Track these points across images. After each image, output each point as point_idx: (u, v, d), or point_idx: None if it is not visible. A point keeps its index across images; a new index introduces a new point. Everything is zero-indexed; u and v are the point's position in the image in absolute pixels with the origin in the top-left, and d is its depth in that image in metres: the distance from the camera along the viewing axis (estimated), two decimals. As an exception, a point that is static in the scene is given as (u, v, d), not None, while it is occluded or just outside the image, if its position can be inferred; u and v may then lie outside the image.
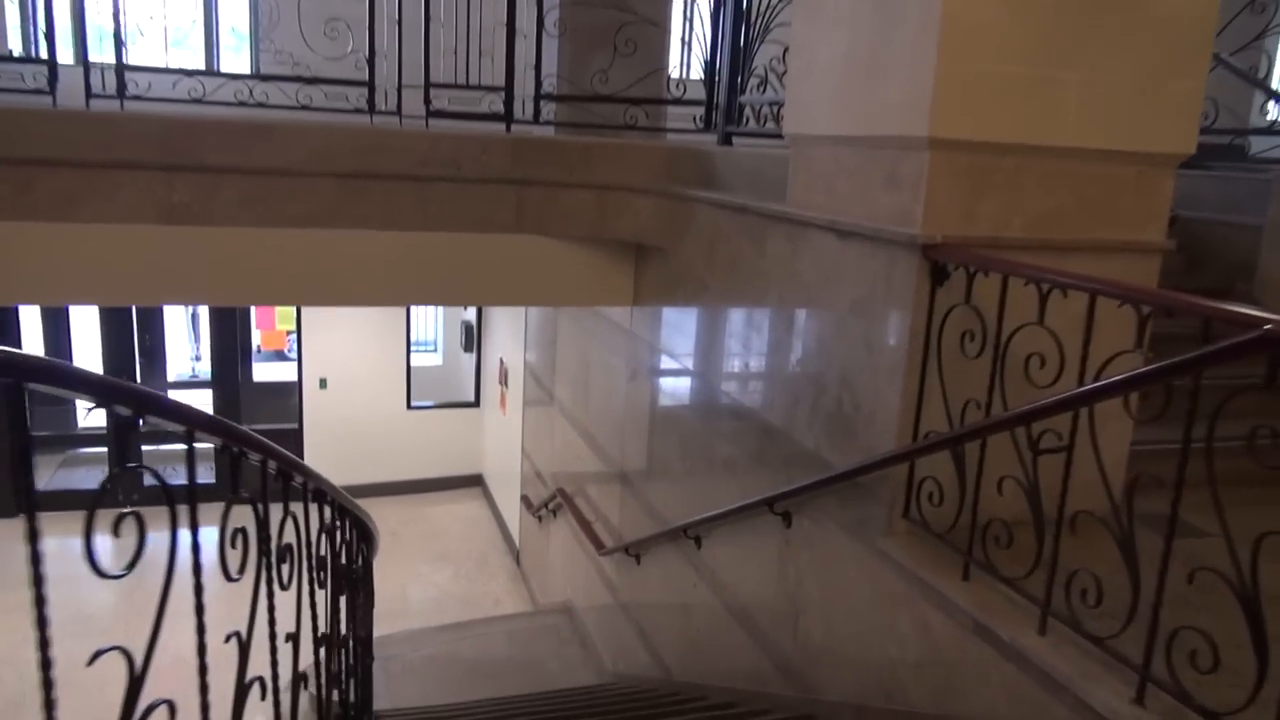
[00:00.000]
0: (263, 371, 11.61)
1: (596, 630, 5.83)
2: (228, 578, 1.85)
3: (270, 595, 2.07)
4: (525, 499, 7.77)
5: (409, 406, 10.01)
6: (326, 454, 9.78)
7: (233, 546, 1.89)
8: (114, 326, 9.35)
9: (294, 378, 9.78)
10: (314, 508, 2.69)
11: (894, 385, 2.58)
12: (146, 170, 4.00)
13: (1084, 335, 1.98)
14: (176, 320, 13.61)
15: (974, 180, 2.48)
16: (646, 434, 4.78)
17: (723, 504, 3.75)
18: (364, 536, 3.53)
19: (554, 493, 6.49)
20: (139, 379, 10.60)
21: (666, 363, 4.52)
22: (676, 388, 4.36)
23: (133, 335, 9.48)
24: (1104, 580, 1.93)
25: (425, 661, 5.77)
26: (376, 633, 7.10)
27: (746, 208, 3.49)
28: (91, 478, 9.52)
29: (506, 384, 8.86)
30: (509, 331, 8.79)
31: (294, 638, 2.29)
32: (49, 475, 9.93)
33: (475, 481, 10.41)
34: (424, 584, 8.03)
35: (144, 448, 10.12)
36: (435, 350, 12.93)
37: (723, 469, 3.79)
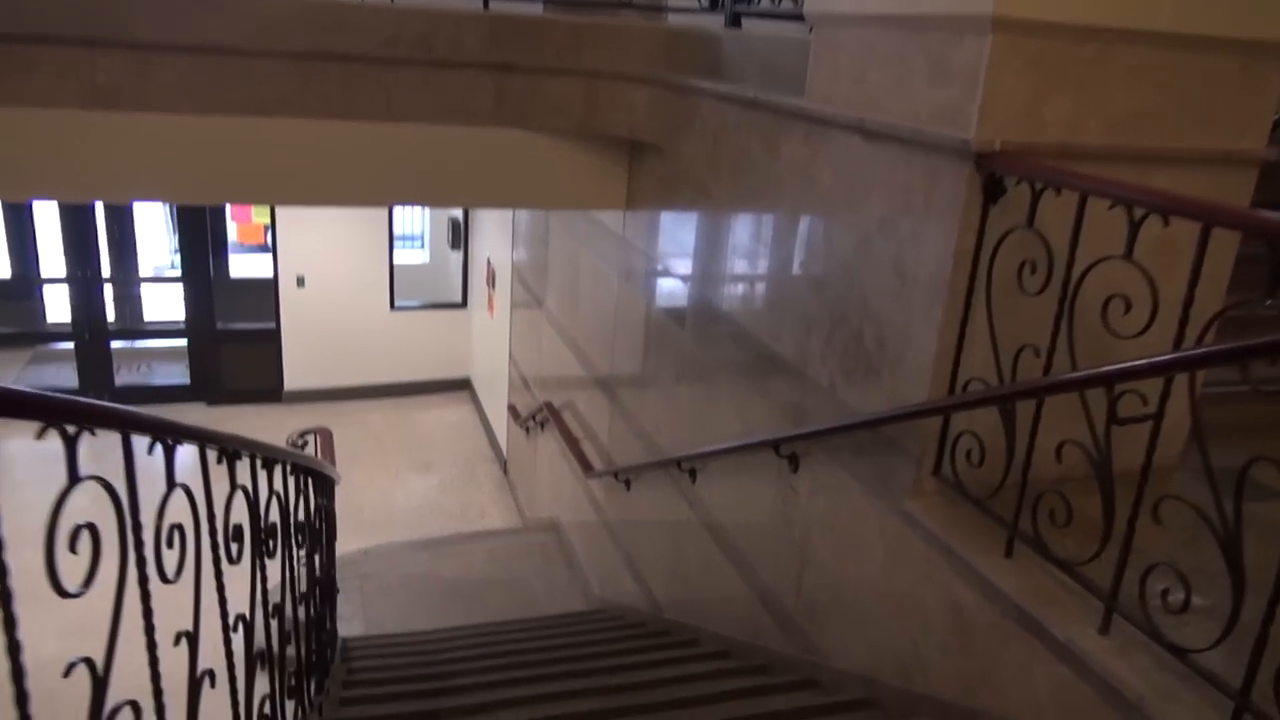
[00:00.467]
0: (241, 266, 11.13)
1: (584, 552, 5.58)
2: (163, 579, 1.55)
3: (219, 577, 1.90)
4: (512, 409, 7.45)
5: (392, 307, 9.59)
6: (306, 356, 9.42)
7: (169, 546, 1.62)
8: (76, 216, 8.83)
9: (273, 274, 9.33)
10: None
11: (929, 321, 2.18)
12: (66, 45, 3.48)
13: (1191, 276, 1.56)
14: (152, 209, 13.04)
15: (1044, 73, 2.02)
16: (639, 351, 4.40)
17: (721, 437, 3.39)
18: (321, 488, 3.17)
19: (540, 406, 6.15)
20: (108, 272, 10.15)
21: (662, 275, 4.10)
22: (673, 304, 3.95)
23: (97, 226, 8.97)
24: (1192, 576, 1.57)
25: (404, 581, 5.53)
26: (357, 546, 6.87)
27: (758, 102, 3.01)
28: (63, 374, 9.16)
29: (494, 286, 8.43)
30: (497, 229, 8.31)
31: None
32: (16, 372, 9.56)
33: (463, 386, 10.09)
34: (407, 493, 7.78)
35: (115, 344, 9.76)
36: (422, 246, 12.43)
37: (722, 398, 3.42)
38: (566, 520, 5.96)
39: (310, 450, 5.20)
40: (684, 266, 3.83)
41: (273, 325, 9.26)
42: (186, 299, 9.12)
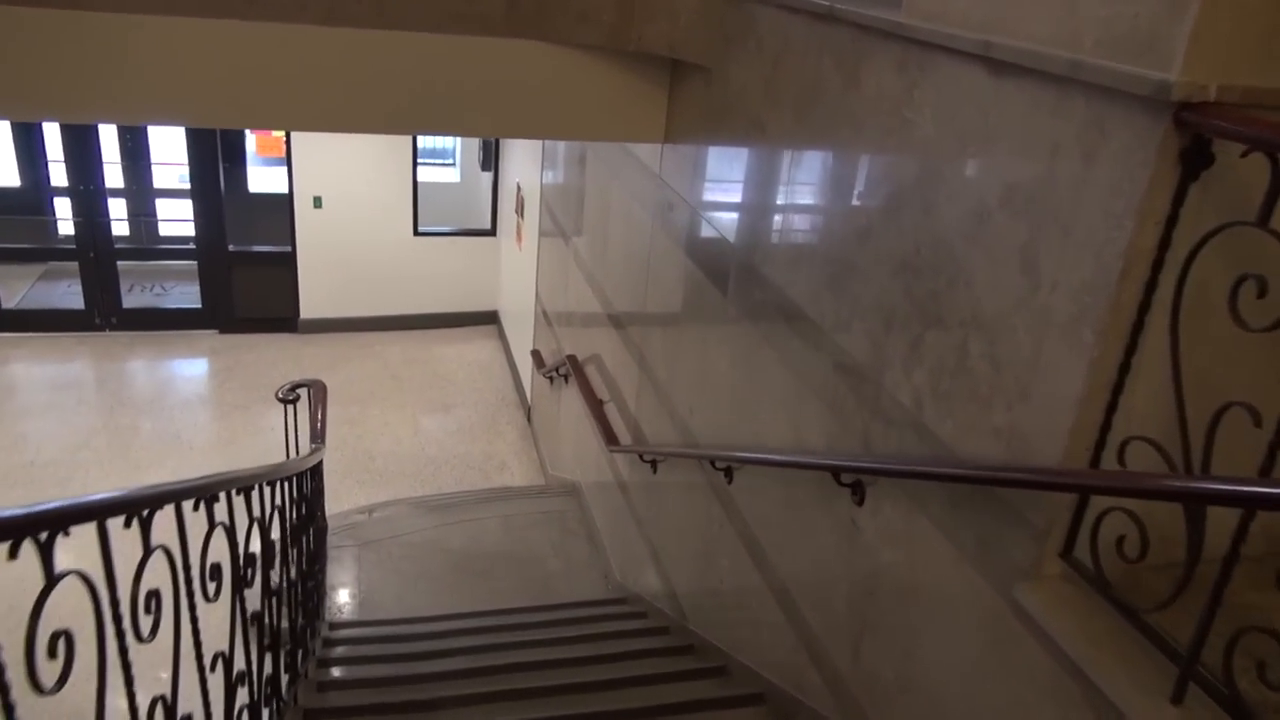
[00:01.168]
0: (262, 180, 10.59)
1: (606, 528, 5.05)
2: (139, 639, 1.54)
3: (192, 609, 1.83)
4: (536, 355, 6.88)
5: (416, 232, 9.00)
6: (323, 282, 8.91)
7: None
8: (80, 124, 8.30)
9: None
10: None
11: (1075, 347, 1.53)
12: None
13: None
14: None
15: (1300, -21, 1.32)
16: (673, 312, 3.77)
17: (764, 436, 2.78)
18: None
19: (563, 359, 5.56)
20: (120, 185, 9.68)
21: (703, 227, 3.44)
22: (714, 262, 3.31)
23: (98, 135, 8.43)
24: None
25: (406, 551, 5.06)
26: (365, 499, 6.43)
27: (835, 13, 2.31)
28: (72, 293, 8.77)
29: (523, 214, 7.79)
30: (527, 151, 7.62)
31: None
32: (24, 290, 9.21)
33: (490, 319, 9.54)
34: (423, 439, 7.31)
35: (122, 264, 9.33)
36: (453, 164, 11.78)
37: (769, 388, 2.79)
38: (589, 487, 5.43)
39: (303, 402, 4.70)
40: (728, 218, 3.17)
41: (288, 249, 8.74)
42: (196, 216, 8.61)
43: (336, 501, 6.22)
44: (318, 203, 8.58)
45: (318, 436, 4.28)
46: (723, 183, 3.26)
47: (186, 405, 7.54)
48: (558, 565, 5.04)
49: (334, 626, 4.16)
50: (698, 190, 3.48)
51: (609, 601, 4.51)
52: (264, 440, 7.10)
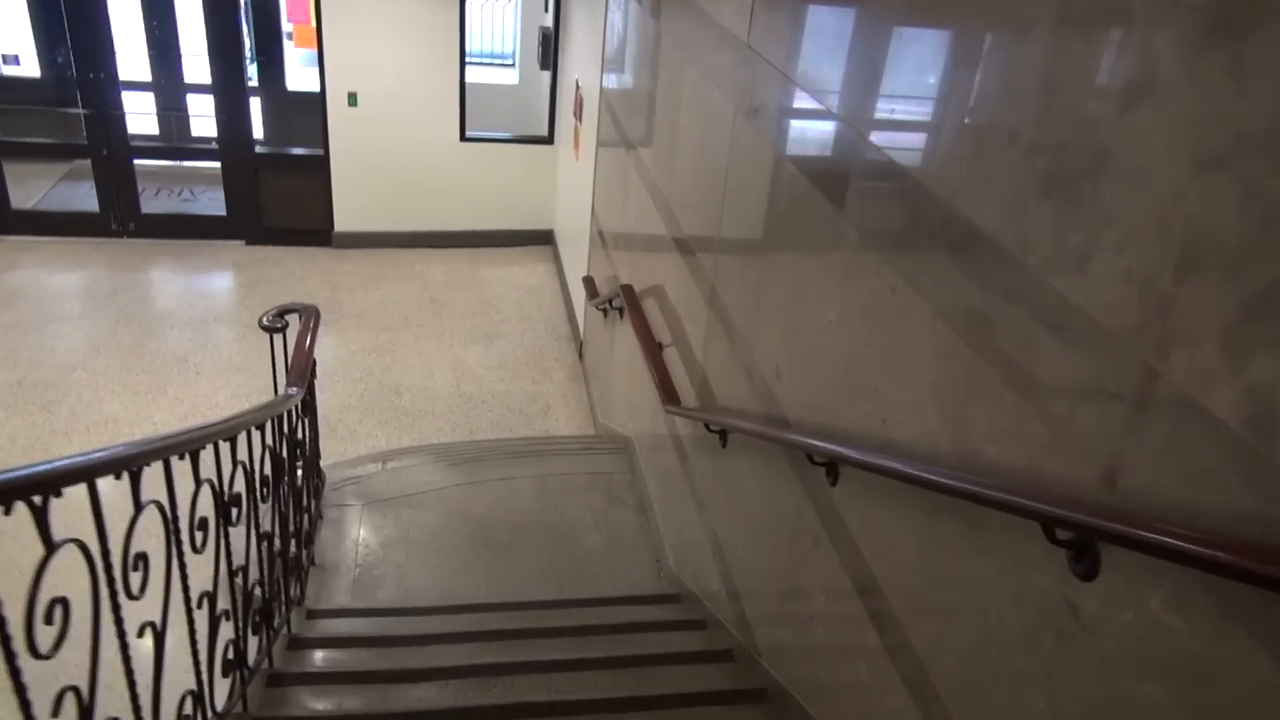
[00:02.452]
0: (302, 79, 9.75)
1: (660, 500, 4.17)
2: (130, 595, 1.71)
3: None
4: (589, 282, 5.96)
5: (463, 137, 8.08)
6: (358, 191, 8.08)
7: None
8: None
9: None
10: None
11: None
12: None
13: None
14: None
15: None
16: (758, 235, 2.80)
17: (896, 429, 1.84)
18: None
19: (617, 289, 4.63)
20: (147, 76, 8.94)
21: (811, 113, 2.44)
22: (826, 167, 2.32)
23: (105, 14, 7.62)
24: None
25: (419, 516, 4.26)
26: (384, 443, 5.66)
27: None
28: (93, 196, 8.10)
29: (581, 117, 6.80)
30: (588, 43, 6.59)
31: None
32: (44, 190, 8.60)
33: (544, 240, 8.63)
34: (460, 373, 6.50)
35: (149, 165, 8.65)
36: (512, 65, 10.77)
37: (909, 359, 1.83)
38: (642, 446, 4.55)
39: (292, 330, 3.89)
40: (853, 95, 2.17)
41: (320, 152, 7.91)
42: (218, 113, 7.81)
43: (351, 443, 5.49)
44: (353, 100, 7.70)
45: (299, 378, 3.45)
46: (844, 42, 2.24)
47: (199, 324, 6.84)
48: (599, 542, 4.20)
49: (312, 615, 3.39)
50: (804, 58, 2.47)
51: (659, 599, 3.65)
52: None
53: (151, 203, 8.63)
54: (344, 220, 8.17)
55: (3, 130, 8.37)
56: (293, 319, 3.98)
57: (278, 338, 3.89)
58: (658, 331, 4.08)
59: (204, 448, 2.19)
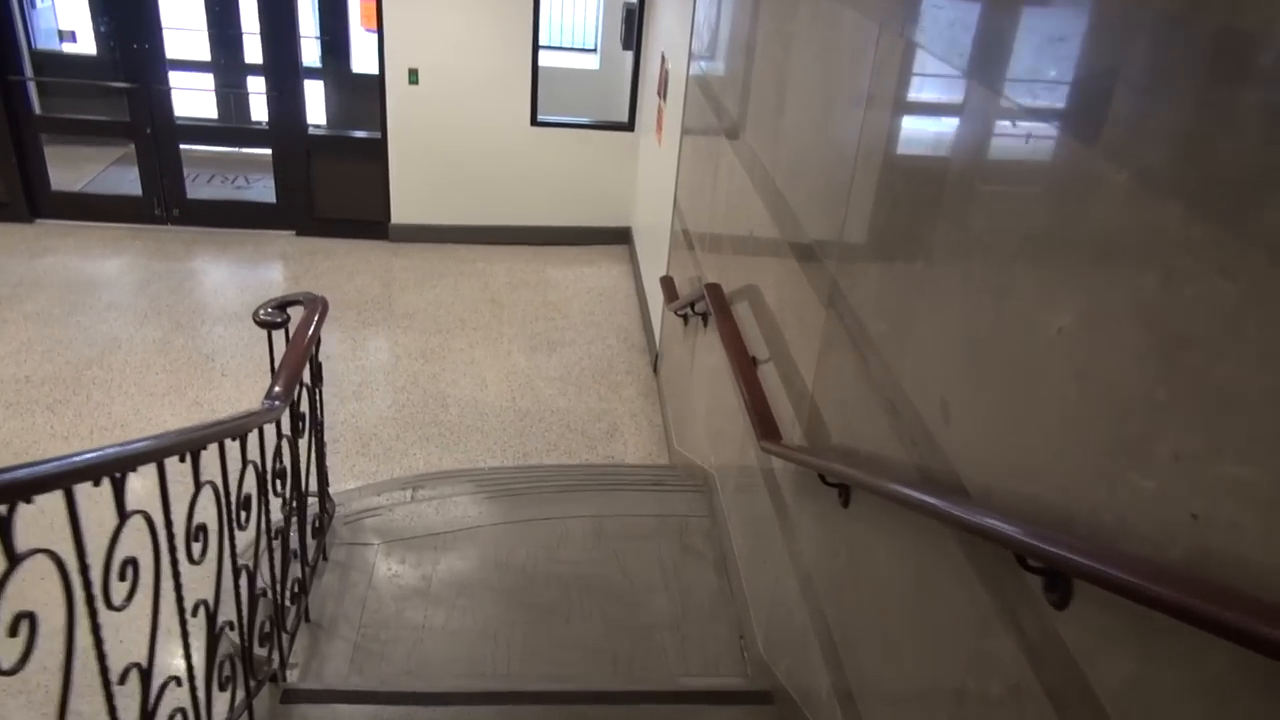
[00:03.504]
0: (368, 60, 9.18)
1: (747, 560, 3.32)
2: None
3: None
4: (667, 283, 5.13)
5: (534, 121, 7.36)
6: (418, 178, 7.42)
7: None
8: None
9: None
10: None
11: None
12: None
13: None
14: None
15: None
16: (916, 204, 1.94)
17: (1218, 524, 0.96)
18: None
19: (701, 290, 3.80)
20: (207, 56, 8.48)
21: (954, 88, 1.58)
22: (973, 144, 1.47)
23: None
24: None
25: (448, 561, 3.49)
26: (424, 463, 4.92)
27: None
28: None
29: (665, 95, 6.00)
30: (678, 14, 5.78)
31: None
32: (94, 173, 8.18)
33: (620, 238, 7.85)
34: (516, 387, 5.75)
35: (203, 150, 8.16)
36: (594, 50, 10.06)
37: (1261, 400, 0.96)
38: (727, 485, 3.70)
39: (292, 325, 3.19)
40: (1016, 69, 1.32)
41: (378, 135, 7.28)
42: (268, 91, 7.24)
43: (385, 462, 4.79)
44: (413, 77, 7.04)
45: (284, 390, 2.70)
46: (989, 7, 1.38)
47: (233, 319, 6.23)
48: (668, 607, 3.36)
49: (290, 697, 2.63)
50: (934, 26, 1.62)
51: (745, 697, 2.80)
52: (325, 371, 5.70)
53: (203, 189, 8.15)
54: (401, 211, 7.52)
55: (49, 110, 7.98)
56: (297, 312, 3.28)
57: (279, 334, 3.19)
58: (751, 343, 3.24)
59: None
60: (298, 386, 3.02)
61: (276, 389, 2.65)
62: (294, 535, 3.00)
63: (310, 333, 3.03)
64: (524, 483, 4.28)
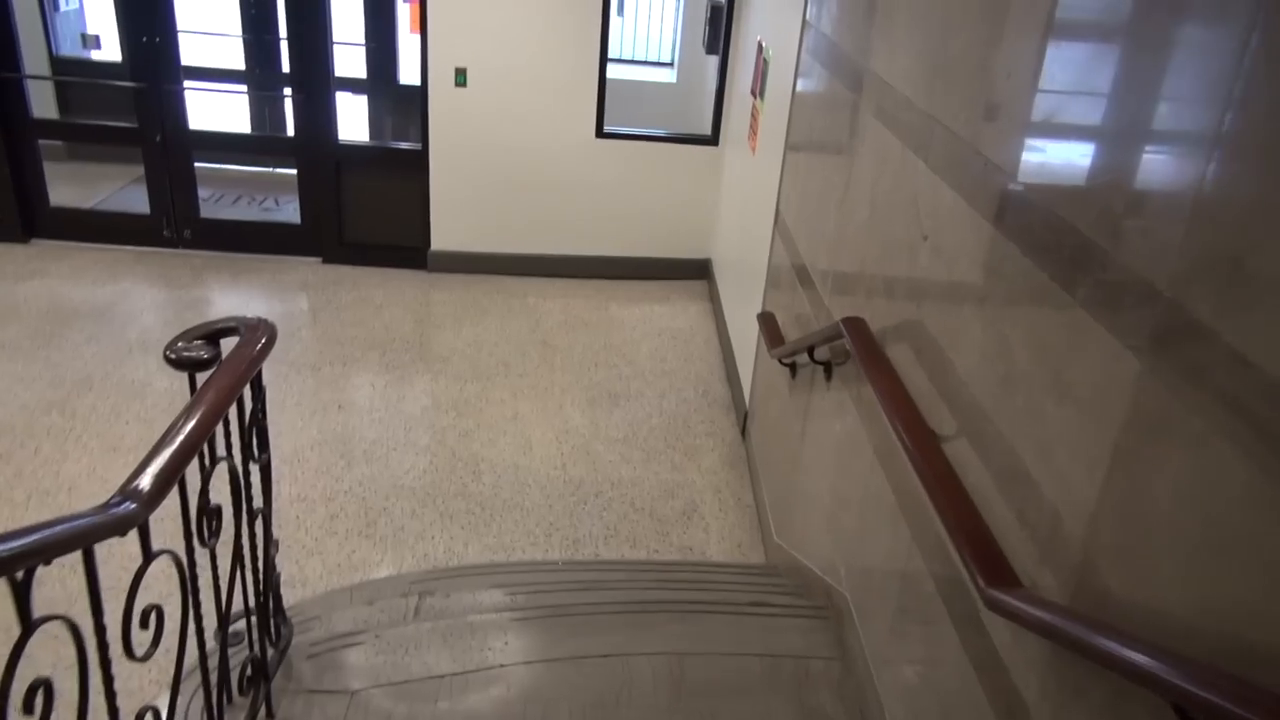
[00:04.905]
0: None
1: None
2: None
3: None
4: (767, 320, 3.99)
5: (600, 132, 6.34)
6: (462, 198, 6.44)
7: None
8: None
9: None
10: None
11: None
12: None
13: None
14: None
15: None
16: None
17: None
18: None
19: (831, 331, 2.65)
20: (239, 65, 7.68)
21: None
22: None
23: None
24: None
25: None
26: (444, 547, 3.69)
27: None
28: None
29: (761, 94, 4.92)
30: (780, -10, 4.73)
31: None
32: (110, 191, 7.38)
33: (698, 272, 6.76)
34: (568, 450, 4.65)
35: (223, 166, 7.34)
36: (670, 64, 9.09)
37: None
38: (876, 621, 2.52)
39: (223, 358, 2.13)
40: None
41: (419, 146, 6.33)
42: (294, 96, 6.34)
43: (393, 548, 3.74)
44: (460, 78, 6.09)
45: (154, 490, 1.62)
46: None
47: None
48: (787, 820, 2.18)
49: None
50: None
51: None
52: (322, 422, 4.68)
53: (228, 210, 7.29)
54: (443, 236, 6.54)
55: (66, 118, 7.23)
56: (230, 344, 2.23)
57: (207, 376, 2.16)
58: (923, 405, 2.09)
59: None
60: (213, 463, 1.96)
61: (139, 483, 1.56)
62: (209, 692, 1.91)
63: (233, 381, 1.96)
64: (573, 590, 3.14)
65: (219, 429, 1.94)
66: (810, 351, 3.08)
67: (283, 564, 3.78)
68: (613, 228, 6.60)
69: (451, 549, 3.84)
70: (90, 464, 4.22)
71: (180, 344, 2.14)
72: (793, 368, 3.61)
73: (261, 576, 2.33)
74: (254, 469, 2.25)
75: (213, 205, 7.40)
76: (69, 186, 7.52)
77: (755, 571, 3.67)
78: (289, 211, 7.10)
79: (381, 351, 5.48)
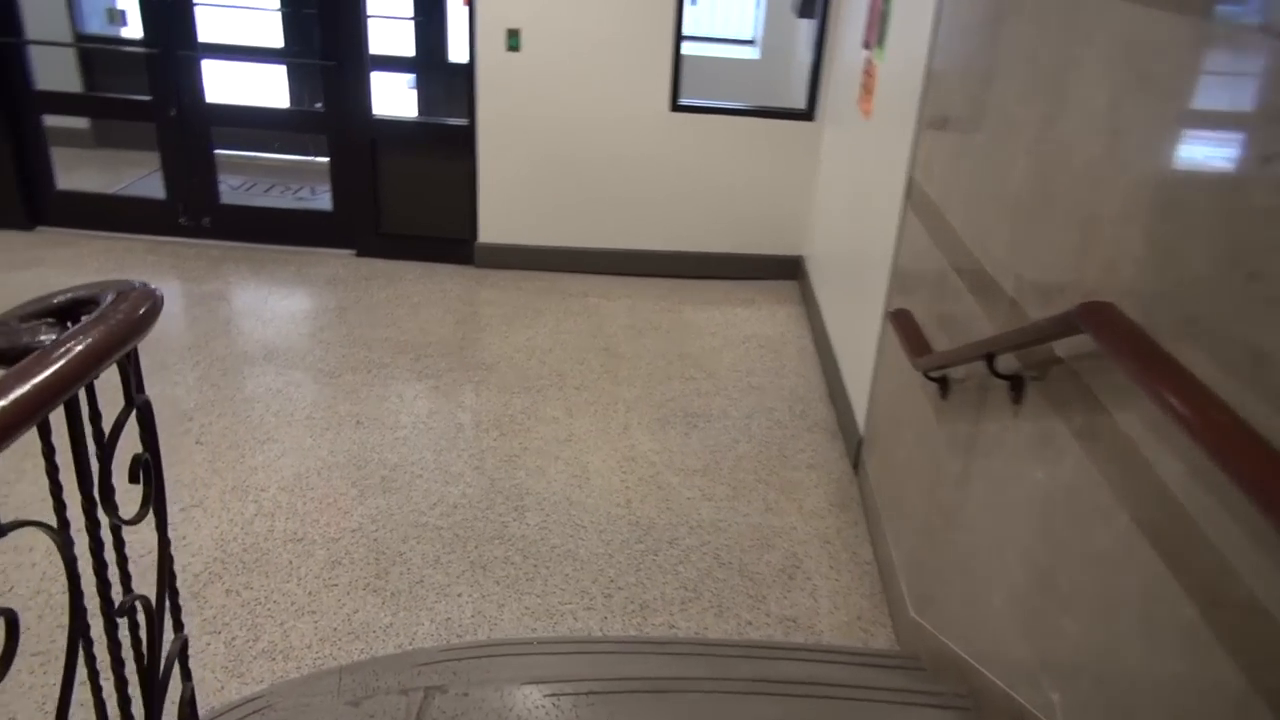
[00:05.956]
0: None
1: None
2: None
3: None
4: (902, 320, 3.04)
5: (675, 105, 5.47)
6: (514, 184, 5.62)
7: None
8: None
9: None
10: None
11: None
12: None
13: None
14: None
15: None
16: None
17: None
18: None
19: (1062, 319, 1.72)
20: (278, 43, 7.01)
21: None
22: None
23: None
24: None
25: None
26: (472, 617, 2.93)
27: None
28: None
29: (880, 42, 4.00)
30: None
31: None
32: (135, 177, 6.74)
33: (788, 271, 5.84)
34: (637, 484, 3.76)
35: (257, 154, 6.66)
36: (752, 41, 8.20)
37: None
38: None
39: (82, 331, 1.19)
40: None
41: (466, 121, 5.52)
42: (326, 72, 5.58)
43: (407, 606, 2.89)
44: (513, 41, 5.27)
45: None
46: None
47: (237, 363, 4.48)
48: None
49: None
50: None
51: None
52: (335, 441, 3.86)
53: (259, 198, 6.60)
54: (492, 227, 5.72)
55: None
56: (85, 313, 1.37)
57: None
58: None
59: None
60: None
61: None
62: None
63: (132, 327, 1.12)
64: (641, 691, 2.24)
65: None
66: (989, 360, 2.14)
67: (265, 627, 2.96)
68: (688, 218, 5.72)
69: (482, 611, 2.97)
70: (29, 496, 3.44)
71: (14, 323, 1.32)
72: (942, 383, 2.68)
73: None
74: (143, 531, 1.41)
75: (243, 194, 6.73)
76: (93, 173, 6.92)
77: (886, 658, 2.73)
78: (324, 201, 6.37)
79: (415, 357, 4.65)
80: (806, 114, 5.49)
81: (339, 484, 3.61)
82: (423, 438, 3.96)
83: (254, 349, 4.64)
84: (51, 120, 5.84)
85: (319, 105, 5.89)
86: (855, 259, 4.20)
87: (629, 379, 4.58)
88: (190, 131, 5.70)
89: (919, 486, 2.89)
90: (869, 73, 4.17)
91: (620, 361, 4.75)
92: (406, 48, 7.41)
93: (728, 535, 3.44)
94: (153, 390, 4.08)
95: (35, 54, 5.70)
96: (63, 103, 5.78)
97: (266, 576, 3.09)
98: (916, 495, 2.92)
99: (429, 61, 7.33)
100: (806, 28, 6.33)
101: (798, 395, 4.50)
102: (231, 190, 6.78)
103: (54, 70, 6.56)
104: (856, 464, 3.81)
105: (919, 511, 2.87)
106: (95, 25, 7.63)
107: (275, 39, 7.75)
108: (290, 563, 3.17)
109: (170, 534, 1.57)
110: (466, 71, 5.36)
